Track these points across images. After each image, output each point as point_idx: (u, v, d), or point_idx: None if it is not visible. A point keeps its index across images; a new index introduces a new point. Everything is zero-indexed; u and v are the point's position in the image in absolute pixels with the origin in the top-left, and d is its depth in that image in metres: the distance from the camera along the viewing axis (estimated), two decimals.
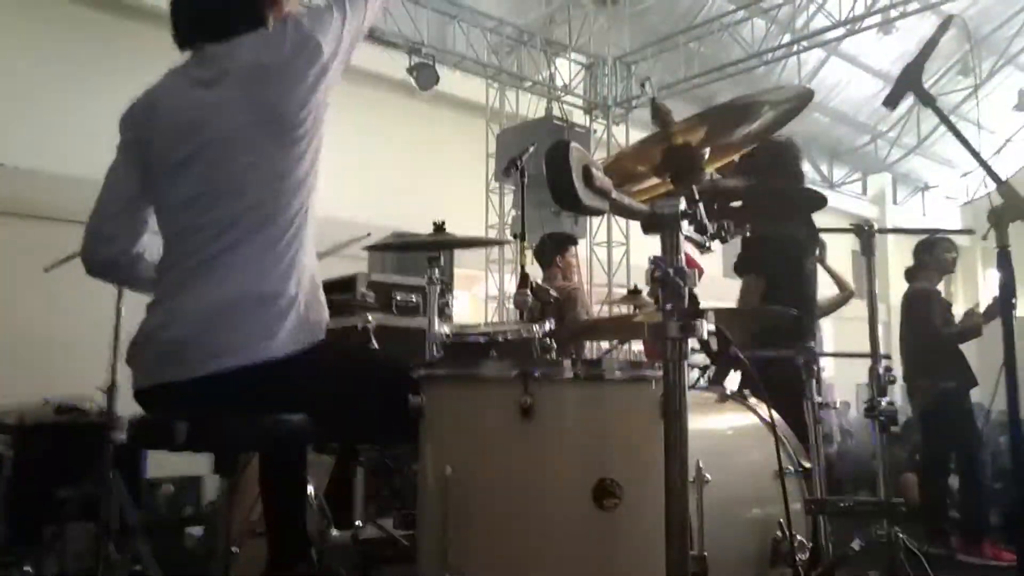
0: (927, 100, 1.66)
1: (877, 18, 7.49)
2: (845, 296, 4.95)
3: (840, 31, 7.76)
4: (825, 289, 5.26)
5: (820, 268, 4.63)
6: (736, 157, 1.54)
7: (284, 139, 1.64)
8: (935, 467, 4.77)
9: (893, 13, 7.29)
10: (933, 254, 4.74)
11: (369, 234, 2.90)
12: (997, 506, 4.70)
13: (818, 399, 2.53)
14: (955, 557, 4.35)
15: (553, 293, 2.60)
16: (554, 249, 4.63)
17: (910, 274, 4.89)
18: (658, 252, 1.18)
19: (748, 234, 1.55)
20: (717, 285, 5.82)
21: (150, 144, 1.72)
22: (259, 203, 1.63)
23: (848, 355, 4.14)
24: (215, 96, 1.65)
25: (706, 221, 1.28)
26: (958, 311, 4.93)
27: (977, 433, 4.66)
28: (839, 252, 4.51)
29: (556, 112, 8.39)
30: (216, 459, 1.68)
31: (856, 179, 14.85)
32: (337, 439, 2.23)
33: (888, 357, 2.48)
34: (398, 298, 3.54)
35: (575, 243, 4.85)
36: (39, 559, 3.44)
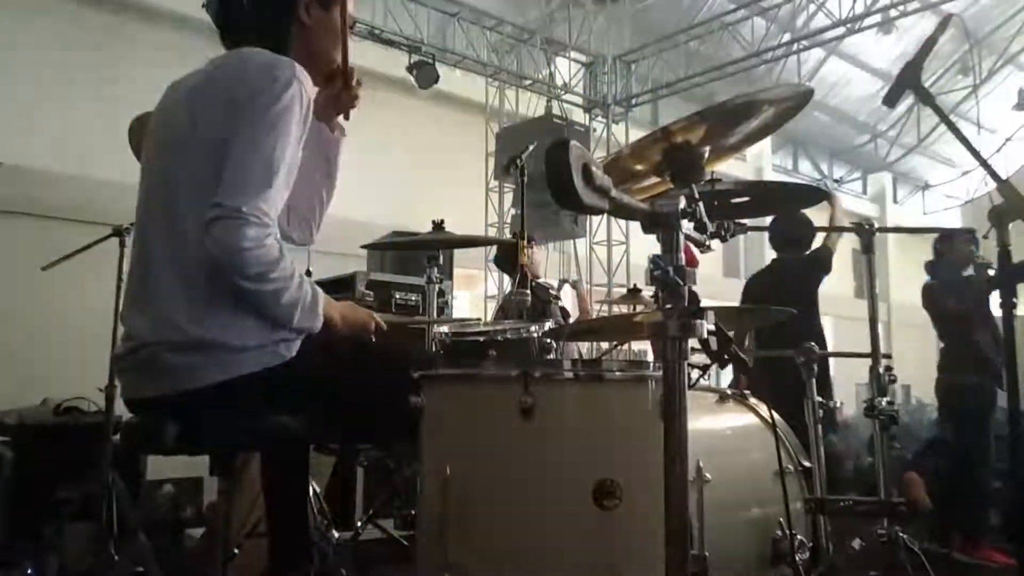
0: (926, 98, 1.65)
1: (877, 17, 7.48)
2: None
3: (840, 30, 7.75)
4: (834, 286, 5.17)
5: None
6: None
7: None
8: (961, 464, 4.66)
9: (893, 12, 7.28)
10: (952, 245, 4.66)
11: None
12: (997, 506, 4.68)
13: (818, 399, 2.53)
14: (952, 555, 4.34)
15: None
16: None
17: (930, 268, 4.79)
18: (658, 251, 1.18)
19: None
20: (716, 284, 5.82)
21: None
22: None
23: (848, 355, 4.13)
24: None
25: (706, 220, 1.28)
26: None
27: (987, 432, 4.58)
28: (839, 251, 4.47)
29: (556, 111, 8.39)
30: (213, 460, 1.67)
31: (856, 178, 14.87)
32: (337, 440, 2.22)
33: (888, 357, 2.47)
34: (397, 297, 3.54)
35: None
36: (39, 559, 3.44)
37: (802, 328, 3.99)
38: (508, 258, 4.51)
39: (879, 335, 2.48)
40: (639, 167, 1.39)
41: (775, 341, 3.85)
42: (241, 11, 1.72)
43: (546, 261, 4.87)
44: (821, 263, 4.34)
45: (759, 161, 12.54)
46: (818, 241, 4.46)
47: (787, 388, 2.68)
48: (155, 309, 1.55)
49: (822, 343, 4.25)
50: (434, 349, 2.25)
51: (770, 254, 4.96)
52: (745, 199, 1.63)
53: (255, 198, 1.46)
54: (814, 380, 2.62)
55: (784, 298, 4.01)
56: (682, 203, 1.18)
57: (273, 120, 1.51)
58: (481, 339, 1.97)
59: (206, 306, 1.52)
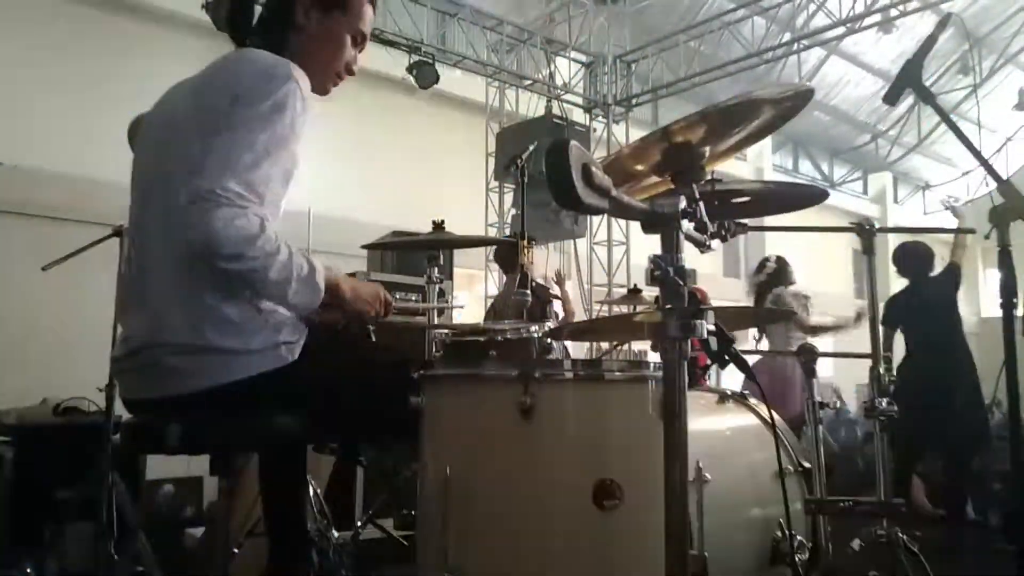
0: (926, 97, 1.65)
1: (877, 17, 7.47)
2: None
3: (840, 30, 7.74)
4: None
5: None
6: None
7: None
8: None
9: (893, 12, 7.28)
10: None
11: None
12: (997, 506, 4.70)
13: (818, 399, 2.53)
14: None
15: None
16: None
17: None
18: (658, 251, 1.18)
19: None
20: (717, 284, 5.81)
21: None
22: None
23: (848, 355, 4.13)
24: None
25: (706, 219, 1.27)
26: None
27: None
28: (839, 251, 4.52)
29: (556, 111, 8.38)
30: (213, 460, 1.67)
31: (857, 178, 14.87)
32: (337, 440, 2.22)
33: (889, 357, 2.47)
34: (397, 297, 3.54)
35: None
36: (40, 560, 3.44)
37: (956, 339, 4.60)
38: (508, 257, 4.53)
39: (879, 335, 2.48)
40: (639, 167, 1.39)
41: (929, 353, 4.49)
42: (241, 15, 1.73)
43: (545, 262, 4.85)
44: (956, 280, 4.67)
45: (759, 161, 12.54)
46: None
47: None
48: (153, 310, 1.54)
49: (968, 352, 4.63)
50: (434, 349, 2.25)
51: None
52: (745, 199, 1.63)
53: (228, 180, 1.43)
54: (815, 380, 2.61)
55: (938, 315, 4.58)
56: (682, 203, 1.18)
57: (264, 117, 1.49)
58: (481, 339, 1.97)
59: (207, 308, 1.51)
